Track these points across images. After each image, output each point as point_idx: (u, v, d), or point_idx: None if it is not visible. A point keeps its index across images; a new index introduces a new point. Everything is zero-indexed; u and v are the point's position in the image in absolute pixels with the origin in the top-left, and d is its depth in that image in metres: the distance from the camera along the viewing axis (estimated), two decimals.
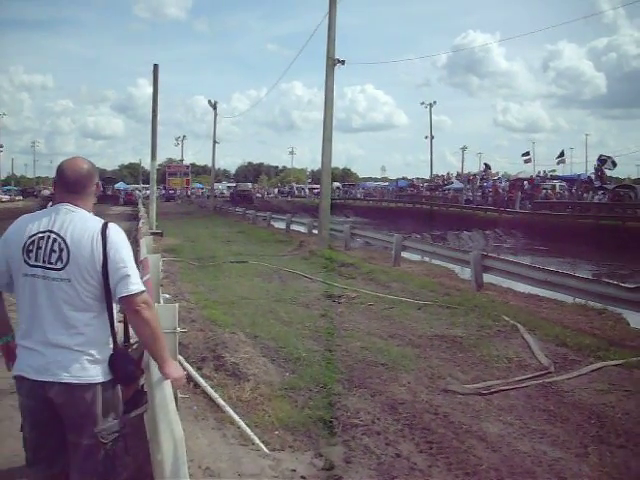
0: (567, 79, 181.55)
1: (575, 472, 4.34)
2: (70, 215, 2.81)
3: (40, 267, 2.74)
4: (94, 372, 2.76)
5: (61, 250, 2.73)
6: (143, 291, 2.78)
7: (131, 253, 2.89)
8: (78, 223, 2.79)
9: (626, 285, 9.45)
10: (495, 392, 5.89)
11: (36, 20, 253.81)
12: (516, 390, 5.97)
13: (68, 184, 2.88)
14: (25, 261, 2.76)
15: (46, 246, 2.75)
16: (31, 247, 2.76)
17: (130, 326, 2.98)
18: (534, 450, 4.67)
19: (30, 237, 2.77)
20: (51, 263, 2.73)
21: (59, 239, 2.75)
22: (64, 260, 2.73)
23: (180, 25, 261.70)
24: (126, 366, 2.89)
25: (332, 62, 19.92)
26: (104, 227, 2.80)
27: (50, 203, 5.82)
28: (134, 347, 3.08)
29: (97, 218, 2.87)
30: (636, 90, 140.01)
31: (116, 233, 2.82)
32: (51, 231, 2.77)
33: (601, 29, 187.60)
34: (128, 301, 2.74)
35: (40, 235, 2.77)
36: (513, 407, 5.55)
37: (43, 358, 2.72)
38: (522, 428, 5.09)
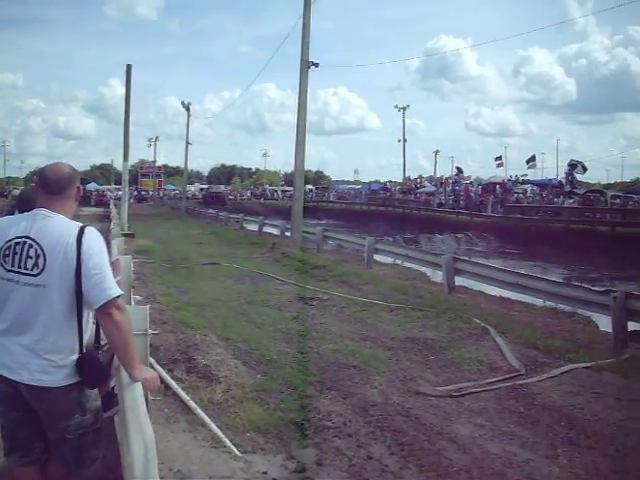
0: (538, 84, 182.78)
1: (545, 473, 4.39)
2: (47, 220, 2.81)
3: (16, 272, 2.75)
4: (56, 377, 2.77)
5: (37, 256, 2.73)
6: (117, 296, 2.77)
7: (107, 258, 2.89)
8: (55, 229, 2.79)
9: (595, 288, 9.58)
10: (466, 394, 5.93)
11: (2, 18, 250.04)
12: (487, 392, 6.01)
13: (48, 185, 2.88)
14: (2, 264, 2.77)
15: (22, 252, 2.75)
16: (7, 252, 2.77)
17: (101, 329, 2.96)
18: (505, 451, 4.71)
19: (7, 242, 2.78)
20: (27, 269, 2.74)
21: (35, 245, 2.75)
22: (40, 266, 2.73)
23: (152, 25, 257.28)
24: (94, 369, 2.88)
25: (306, 65, 19.92)
26: (80, 233, 2.78)
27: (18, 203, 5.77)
28: (104, 349, 3.04)
29: (75, 223, 2.87)
30: (605, 96, 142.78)
31: (91, 239, 2.81)
32: (28, 237, 2.77)
33: (572, 36, 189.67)
34: (100, 307, 2.73)
35: (17, 240, 2.77)
36: (484, 409, 5.59)
37: (10, 356, 2.75)
38: (493, 430, 5.13)
